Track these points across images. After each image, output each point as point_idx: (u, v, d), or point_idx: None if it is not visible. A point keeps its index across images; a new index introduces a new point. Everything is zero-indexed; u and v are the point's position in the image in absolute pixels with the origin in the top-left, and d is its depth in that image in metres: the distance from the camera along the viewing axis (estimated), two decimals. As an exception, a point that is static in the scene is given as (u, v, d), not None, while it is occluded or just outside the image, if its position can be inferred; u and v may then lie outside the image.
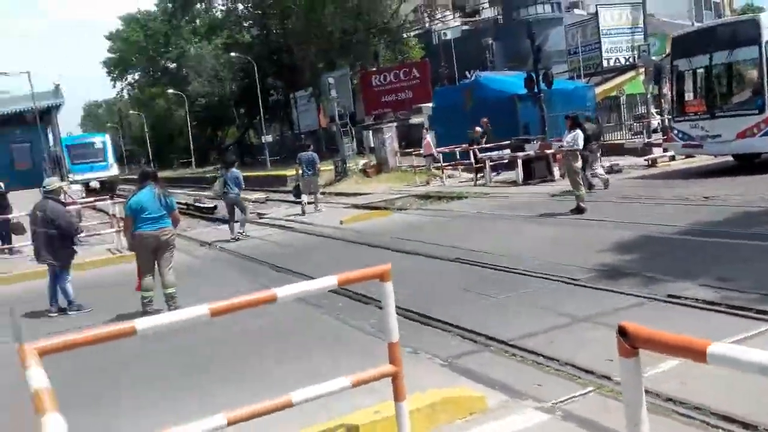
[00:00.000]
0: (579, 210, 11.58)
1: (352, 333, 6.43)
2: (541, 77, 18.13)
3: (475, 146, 19.51)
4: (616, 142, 23.07)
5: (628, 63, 38.63)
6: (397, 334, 3.78)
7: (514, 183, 17.20)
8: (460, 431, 4.11)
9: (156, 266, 7.83)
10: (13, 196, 15.76)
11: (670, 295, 6.26)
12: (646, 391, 4.19)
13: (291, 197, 19.09)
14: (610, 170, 17.04)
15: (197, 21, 68.17)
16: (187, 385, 5.33)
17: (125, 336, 3.20)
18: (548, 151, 16.41)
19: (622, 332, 2.24)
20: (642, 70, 24.41)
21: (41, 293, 8.69)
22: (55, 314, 8.37)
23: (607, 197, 13.31)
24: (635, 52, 35.23)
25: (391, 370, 3.72)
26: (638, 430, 2.27)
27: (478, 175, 18.81)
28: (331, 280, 3.72)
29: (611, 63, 39.83)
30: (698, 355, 2.01)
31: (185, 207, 25.82)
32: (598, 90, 29.85)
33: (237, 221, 13.68)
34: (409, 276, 8.47)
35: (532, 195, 15.35)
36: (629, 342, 2.23)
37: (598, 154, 14.82)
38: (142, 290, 7.80)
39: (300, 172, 16.84)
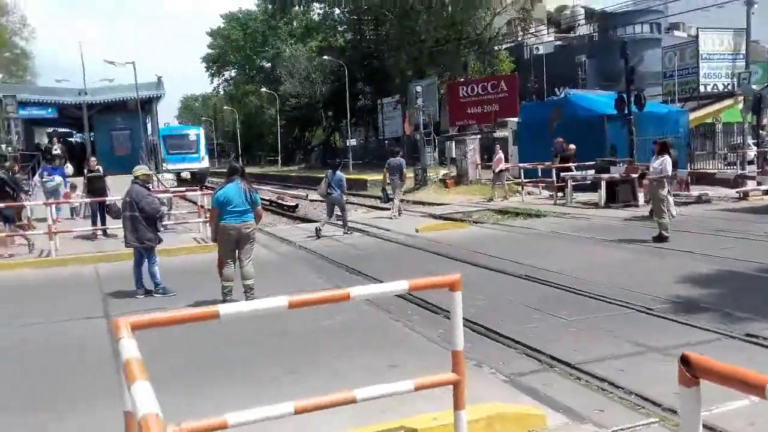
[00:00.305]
0: (661, 238, 11.27)
1: (418, 340, 6.53)
2: (632, 99, 17.69)
3: (558, 159, 19.26)
4: (707, 171, 22.20)
5: (726, 90, 37.07)
6: (462, 343, 3.87)
7: (596, 205, 16.86)
8: (517, 447, 4.14)
9: (237, 258, 8.19)
10: (111, 180, 16.72)
11: (748, 334, 6.07)
12: (713, 429, 4.16)
13: (369, 201, 19.35)
14: (699, 200, 16.45)
15: (294, 23, 70.15)
16: (261, 373, 5.58)
17: (210, 319, 3.44)
18: (634, 175, 16.01)
19: (685, 361, 2.26)
20: (741, 98, 23.35)
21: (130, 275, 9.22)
22: (142, 296, 8.85)
23: (692, 228, 12.88)
24: (735, 79, 33.77)
25: (453, 379, 3.81)
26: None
27: (559, 194, 18.53)
28: (402, 285, 3.85)
29: (708, 89, 38.34)
30: (758, 390, 2.03)
31: (268, 204, 26.62)
32: (693, 116, 28.75)
33: (331, 222, 14.69)
34: (479, 289, 8.51)
35: (613, 218, 15.03)
36: (690, 371, 2.25)
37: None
38: (223, 280, 8.17)
39: (387, 177, 17.34)
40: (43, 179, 17.19)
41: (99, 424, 4.58)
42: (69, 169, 19.87)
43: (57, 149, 24.25)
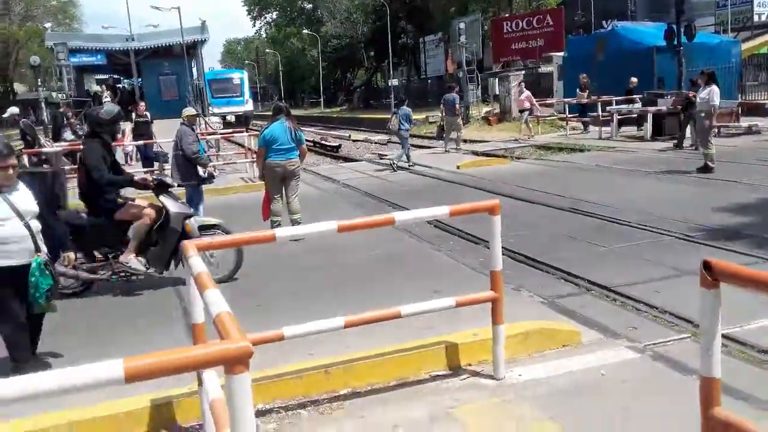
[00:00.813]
0: (706, 169, 11.16)
1: (460, 268, 6.77)
2: (682, 30, 17.12)
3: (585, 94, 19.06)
4: (759, 102, 21.45)
5: (781, 19, 35.34)
6: (500, 263, 4.10)
7: (642, 138, 16.62)
8: (552, 360, 4.38)
9: (283, 194, 8.50)
10: (159, 125, 17.17)
11: (786, 258, 6.13)
12: (744, 343, 4.33)
13: (412, 140, 19.39)
14: (748, 131, 16.05)
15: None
16: (314, 300, 5.90)
17: (266, 241, 3.75)
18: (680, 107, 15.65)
19: (707, 266, 2.43)
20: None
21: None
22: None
23: (740, 159, 12.67)
24: (792, 8, 32.12)
25: (492, 296, 4.06)
26: (710, 358, 2.47)
27: (604, 129, 18.29)
28: (443, 210, 4.09)
29: (763, 18, 36.51)
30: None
31: (312, 144, 26.93)
32: (746, 46, 27.55)
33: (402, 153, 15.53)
34: (520, 221, 8.69)
35: (659, 151, 14.85)
36: (711, 275, 2.42)
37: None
38: (271, 215, 8.50)
39: (442, 113, 18.05)
40: None
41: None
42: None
43: (107, 97, 24.56)
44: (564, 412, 3.67)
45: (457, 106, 17.69)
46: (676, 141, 15.20)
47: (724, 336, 4.58)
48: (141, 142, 15.02)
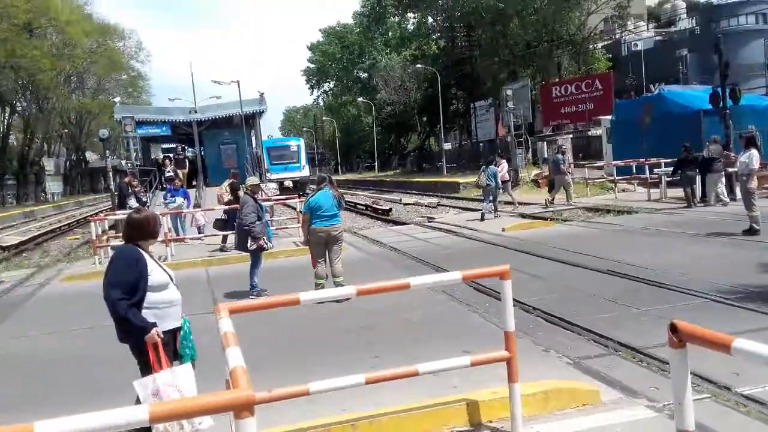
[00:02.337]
0: (751, 231, 11.10)
1: (492, 328, 6.97)
2: (727, 93, 17.21)
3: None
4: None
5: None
6: (512, 325, 4.35)
7: (701, 200, 16.54)
8: (571, 418, 4.55)
9: (327, 258, 8.94)
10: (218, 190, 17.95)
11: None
12: (763, 403, 4.43)
13: (460, 203, 19.83)
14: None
15: (390, 33, 71.63)
16: (347, 358, 6.22)
17: (291, 304, 4.13)
18: (731, 170, 15.59)
19: (673, 328, 2.69)
20: None
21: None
22: (254, 296, 9.57)
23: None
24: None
25: (505, 356, 4.30)
26: (682, 411, 2.69)
27: (653, 191, 18.26)
28: (456, 275, 4.40)
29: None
30: (726, 348, 2.43)
31: (364, 208, 27.58)
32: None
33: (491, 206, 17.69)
34: (558, 284, 8.86)
35: (707, 213, 14.75)
36: (678, 336, 2.67)
37: (721, 175, 16.00)
38: (315, 278, 8.93)
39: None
40: (166, 200, 17.57)
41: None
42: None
43: (170, 171, 23.86)
44: (575, 466, 3.84)
45: (562, 166, 19.07)
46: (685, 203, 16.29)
47: (745, 396, 4.71)
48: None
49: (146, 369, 4.30)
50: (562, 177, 19.22)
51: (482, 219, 16.88)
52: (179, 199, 16.90)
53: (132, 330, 4.27)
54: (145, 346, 4.26)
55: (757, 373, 4.79)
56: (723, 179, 16.15)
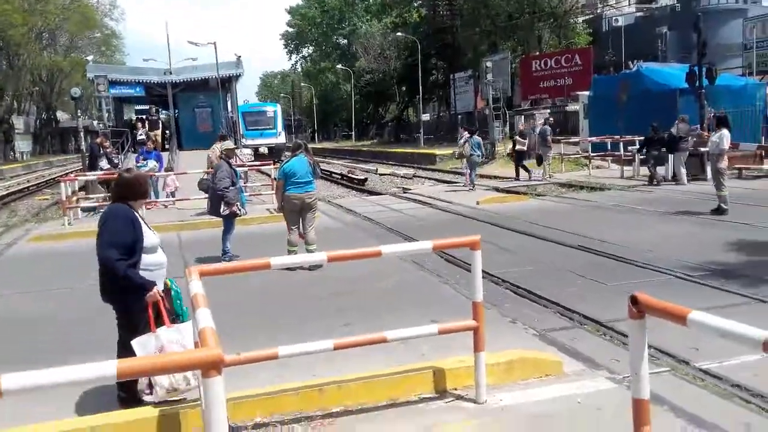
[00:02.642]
0: (719, 211, 11.33)
1: (461, 299, 7.07)
2: (704, 72, 17.37)
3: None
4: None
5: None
6: (480, 295, 4.43)
7: (664, 179, 16.78)
8: (533, 387, 4.67)
9: (300, 225, 8.94)
10: (193, 155, 17.81)
11: (777, 298, 6.32)
12: (722, 378, 4.56)
13: (436, 175, 19.88)
14: (771, 174, 16.16)
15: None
16: (318, 325, 6.27)
17: (262, 268, 4.16)
18: (703, 149, 15.83)
19: (633, 300, 2.76)
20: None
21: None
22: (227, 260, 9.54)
23: (756, 201, 12.80)
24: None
25: (472, 325, 4.39)
26: (638, 381, 2.78)
27: (626, 168, 18.48)
28: (427, 244, 4.44)
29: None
30: (682, 319, 2.51)
31: (339, 177, 27.52)
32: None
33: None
34: (530, 257, 9.00)
35: (679, 192, 14.99)
36: (638, 308, 2.75)
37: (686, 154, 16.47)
38: (288, 245, 8.93)
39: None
40: (138, 164, 17.11)
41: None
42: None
43: (142, 134, 23.64)
44: (535, 434, 3.95)
45: (549, 137, 19.56)
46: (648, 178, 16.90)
47: (702, 371, 4.86)
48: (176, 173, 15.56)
49: (135, 329, 4.33)
50: (547, 150, 19.46)
51: (473, 188, 17.47)
52: (151, 163, 16.60)
53: (130, 289, 4.29)
54: (141, 305, 4.30)
55: (714, 348, 4.94)
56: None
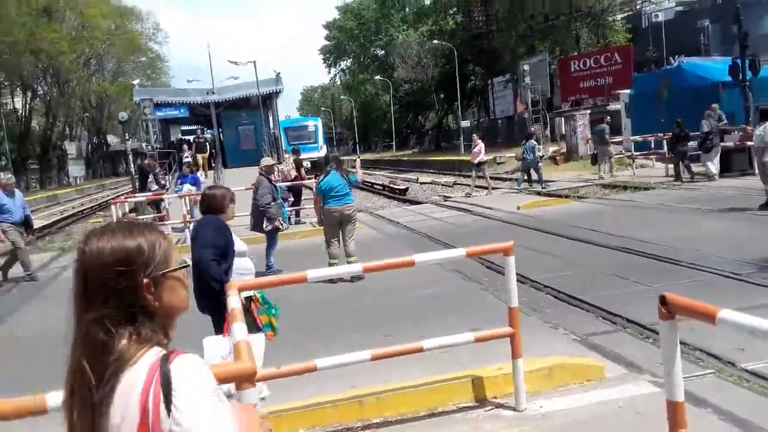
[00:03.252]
0: (767, 206, 11.02)
1: (502, 306, 7.05)
2: (747, 64, 16.93)
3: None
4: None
5: None
6: (516, 301, 4.44)
7: (694, 176, 16.40)
8: (574, 393, 4.64)
9: (341, 237, 9.05)
10: (238, 173, 18.07)
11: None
12: (766, 378, 4.47)
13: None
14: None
15: (406, 9, 71.07)
16: (359, 336, 6.34)
17: (299, 282, 4.24)
18: (749, 143, 15.39)
19: (663, 301, 2.74)
20: None
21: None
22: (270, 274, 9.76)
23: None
24: None
25: (509, 331, 4.40)
26: (673, 383, 2.76)
27: (669, 166, 18.10)
28: (460, 251, 4.48)
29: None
30: (712, 318, 2.50)
31: (381, 188, 27.64)
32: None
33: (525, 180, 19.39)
34: (570, 261, 8.91)
35: (726, 188, 14.62)
36: (667, 308, 2.73)
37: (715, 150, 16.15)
38: (329, 258, 9.05)
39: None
40: (176, 188, 17.54)
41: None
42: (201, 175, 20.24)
43: (187, 156, 23.33)
44: (575, 440, 3.94)
45: (606, 136, 19.55)
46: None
47: (748, 372, 4.75)
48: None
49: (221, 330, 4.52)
50: (605, 148, 19.40)
51: (543, 187, 18.37)
52: (186, 186, 16.96)
53: (222, 292, 4.39)
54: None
55: (762, 349, 4.83)
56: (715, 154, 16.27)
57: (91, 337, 1.32)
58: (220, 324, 4.54)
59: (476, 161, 19.11)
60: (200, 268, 4.53)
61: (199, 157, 25.85)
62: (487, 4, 48.40)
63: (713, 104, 16.55)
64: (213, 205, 4.87)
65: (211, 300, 4.52)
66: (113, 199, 21.73)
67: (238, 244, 4.82)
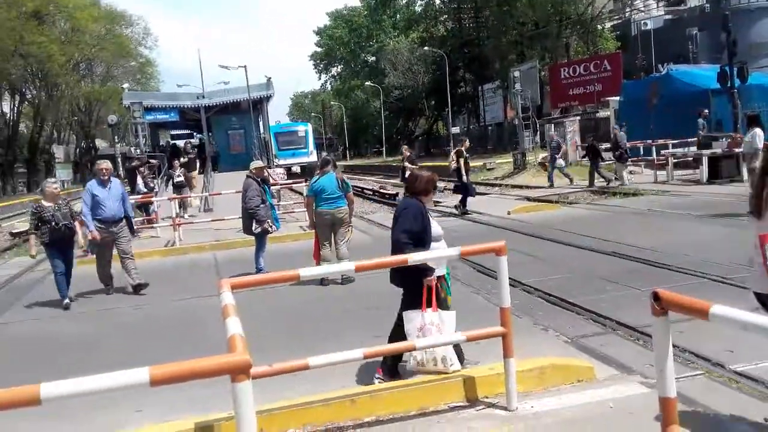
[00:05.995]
0: (756, 212, 11.10)
1: (492, 308, 7.05)
2: (735, 72, 17.11)
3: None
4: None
5: None
6: (508, 301, 4.45)
7: (698, 182, 16.52)
8: (565, 393, 4.65)
9: (333, 241, 9.04)
10: (227, 177, 18.10)
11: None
12: (755, 379, 4.51)
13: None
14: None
15: (397, 16, 71.36)
16: (349, 337, 6.34)
17: (291, 280, 4.23)
18: (737, 150, 15.56)
19: (656, 297, 2.77)
20: None
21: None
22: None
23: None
24: None
25: (501, 331, 4.40)
26: (664, 379, 2.78)
27: (660, 173, 18.25)
28: (454, 251, 4.49)
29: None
30: (703, 314, 2.52)
31: (371, 193, 27.67)
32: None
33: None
34: (560, 265, 8.94)
35: (714, 195, 14.72)
36: (660, 305, 2.75)
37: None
38: (321, 260, 9.04)
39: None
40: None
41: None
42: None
43: (179, 175, 20.55)
44: (566, 439, 3.94)
45: (622, 143, 19.54)
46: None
47: (737, 373, 4.79)
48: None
49: (414, 306, 4.83)
50: (623, 156, 19.30)
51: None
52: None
53: (414, 272, 4.69)
54: (421, 288, 4.75)
55: (749, 350, 4.87)
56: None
57: None
58: (411, 299, 4.88)
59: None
60: (396, 249, 4.85)
61: (191, 177, 24.09)
62: (477, 11, 48.68)
63: (704, 110, 16.73)
64: (418, 187, 5.08)
65: (405, 278, 4.85)
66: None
67: (436, 228, 5.19)
